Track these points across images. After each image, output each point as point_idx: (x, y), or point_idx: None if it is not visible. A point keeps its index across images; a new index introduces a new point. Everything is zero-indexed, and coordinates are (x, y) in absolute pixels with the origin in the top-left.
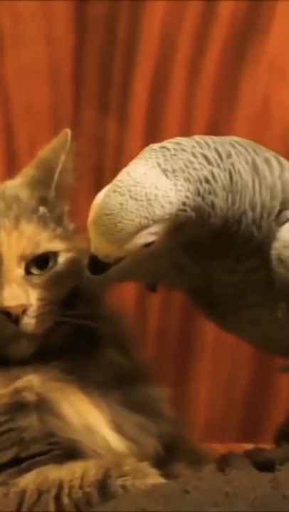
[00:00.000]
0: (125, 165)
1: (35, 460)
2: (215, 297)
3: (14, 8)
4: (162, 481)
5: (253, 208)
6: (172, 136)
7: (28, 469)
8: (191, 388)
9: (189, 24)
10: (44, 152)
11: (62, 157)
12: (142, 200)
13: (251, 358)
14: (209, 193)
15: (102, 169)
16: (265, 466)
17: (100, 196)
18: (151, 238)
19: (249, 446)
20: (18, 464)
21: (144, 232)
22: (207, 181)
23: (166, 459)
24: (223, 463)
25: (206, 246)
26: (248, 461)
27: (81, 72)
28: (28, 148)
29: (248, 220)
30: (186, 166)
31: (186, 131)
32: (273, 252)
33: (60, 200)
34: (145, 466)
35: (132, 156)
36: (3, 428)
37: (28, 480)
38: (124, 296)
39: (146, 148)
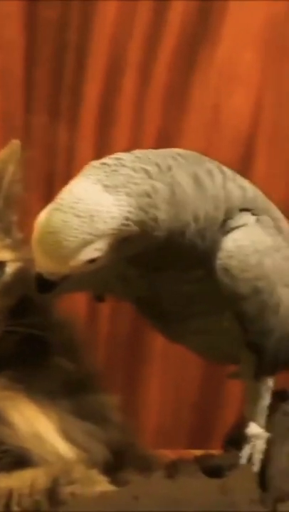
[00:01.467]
0: (76, 171)
1: None
2: (162, 307)
3: None
4: (112, 488)
5: (196, 219)
6: (123, 141)
7: None
8: (141, 394)
9: (140, 28)
10: None
11: (11, 168)
12: (84, 217)
13: (200, 364)
14: (151, 206)
15: (52, 175)
16: (214, 472)
17: (42, 215)
18: (95, 254)
19: (199, 452)
20: None
21: (88, 248)
22: (148, 195)
23: (115, 465)
24: (173, 469)
25: (152, 258)
26: (197, 468)
27: (32, 75)
28: None
29: (191, 231)
30: (127, 181)
31: (137, 137)
32: (218, 262)
33: (9, 210)
34: (94, 473)
35: (83, 162)
36: None
37: None
38: (75, 302)
39: (87, 166)
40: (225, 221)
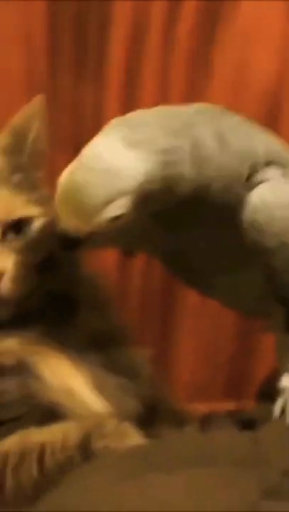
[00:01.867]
0: None
1: (16, 423)
2: (189, 263)
3: None
4: (144, 441)
5: (220, 175)
6: (150, 100)
7: (10, 432)
8: (175, 348)
9: None
10: (17, 119)
11: (36, 124)
12: (107, 174)
13: (234, 317)
14: (174, 162)
15: (79, 136)
16: (246, 425)
17: (65, 173)
18: (119, 211)
19: (232, 405)
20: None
21: (112, 205)
22: (171, 151)
23: (147, 420)
24: (205, 423)
25: (177, 214)
26: (230, 421)
27: (56, 38)
28: (5, 116)
29: (216, 186)
30: (150, 138)
31: (164, 95)
32: (244, 217)
33: (35, 166)
34: (126, 426)
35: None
36: None
37: (10, 443)
38: (106, 258)
39: (110, 122)
40: (250, 176)
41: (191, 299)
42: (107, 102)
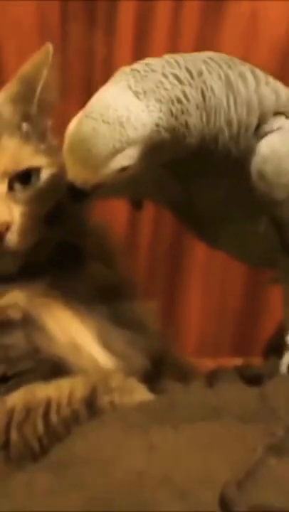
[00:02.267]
0: None
1: (22, 378)
2: (197, 212)
3: None
4: (150, 396)
5: (229, 124)
6: (160, 47)
7: (16, 387)
8: (183, 303)
9: None
10: (26, 67)
11: (44, 72)
12: (114, 124)
13: (242, 272)
14: (182, 112)
15: (90, 82)
16: (253, 380)
17: (72, 123)
18: (127, 162)
19: (240, 360)
20: (5, 382)
21: (120, 156)
22: (179, 101)
23: (154, 374)
24: (212, 378)
25: (186, 165)
26: (237, 376)
27: None
28: (16, 63)
29: (225, 136)
30: (157, 87)
31: (175, 44)
32: (253, 168)
33: (43, 115)
34: (133, 381)
35: None
36: None
37: (16, 398)
38: (115, 211)
39: (118, 72)
40: (259, 126)
41: (199, 255)
42: (117, 49)
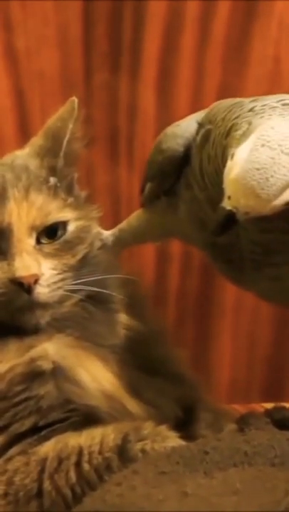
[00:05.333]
0: (139, 126)
1: (54, 428)
2: (238, 254)
3: None
4: (181, 443)
5: None
6: (184, 96)
7: (48, 437)
8: (213, 349)
9: None
10: (52, 121)
11: (70, 125)
12: None
13: (272, 317)
14: None
15: (115, 131)
16: (284, 424)
17: (243, 151)
18: None
19: (271, 406)
20: (38, 432)
21: None
22: None
23: (185, 421)
24: (243, 423)
25: None
26: (268, 420)
27: (91, 34)
28: (41, 114)
29: None
30: None
31: (198, 91)
32: None
33: (70, 168)
34: (164, 429)
35: (145, 117)
36: (20, 397)
37: (48, 448)
38: (144, 260)
39: (266, 107)
40: None
41: (229, 300)
42: (141, 98)
